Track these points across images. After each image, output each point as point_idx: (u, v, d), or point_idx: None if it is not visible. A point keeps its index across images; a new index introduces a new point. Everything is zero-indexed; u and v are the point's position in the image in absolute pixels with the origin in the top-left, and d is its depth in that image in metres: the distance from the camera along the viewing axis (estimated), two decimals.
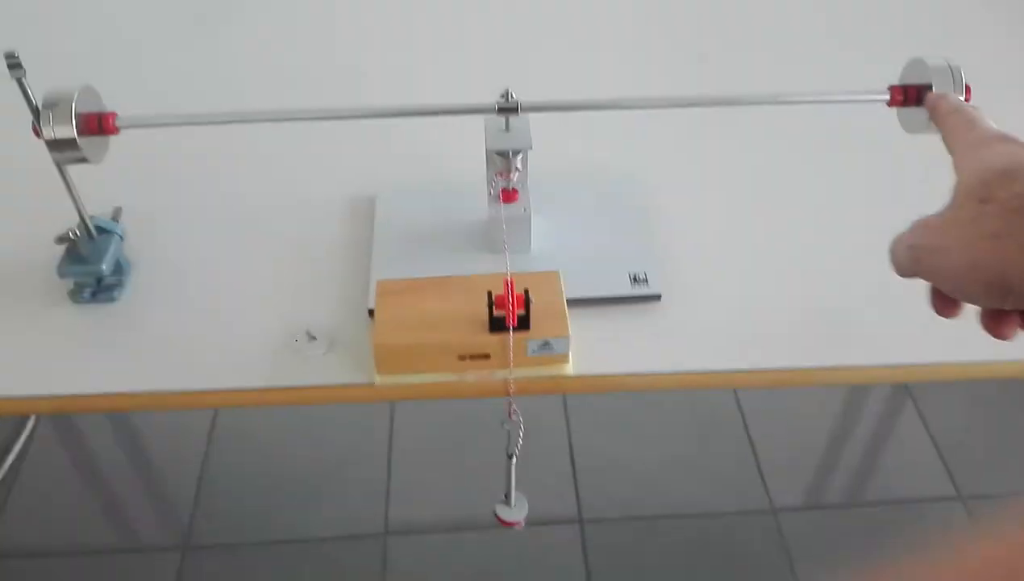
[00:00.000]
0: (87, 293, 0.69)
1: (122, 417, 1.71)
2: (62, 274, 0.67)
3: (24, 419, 1.65)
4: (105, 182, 0.79)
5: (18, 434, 1.62)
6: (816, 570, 1.40)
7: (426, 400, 1.64)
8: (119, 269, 0.70)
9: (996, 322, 0.44)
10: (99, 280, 0.70)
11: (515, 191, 0.69)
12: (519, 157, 0.66)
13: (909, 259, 0.45)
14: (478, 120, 0.66)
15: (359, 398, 0.64)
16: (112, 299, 0.69)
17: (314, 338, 0.66)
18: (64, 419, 1.68)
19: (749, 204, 0.79)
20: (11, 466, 1.57)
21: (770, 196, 0.80)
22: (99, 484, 1.58)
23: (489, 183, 0.69)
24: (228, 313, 0.69)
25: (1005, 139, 0.46)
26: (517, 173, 0.67)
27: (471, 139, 0.67)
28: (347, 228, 0.76)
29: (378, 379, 0.63)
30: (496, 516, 0.71)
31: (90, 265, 0.67)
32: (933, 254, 0.44)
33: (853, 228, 0.76)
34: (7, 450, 1.59)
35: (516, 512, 0.71)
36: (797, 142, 0.85)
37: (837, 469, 1.57)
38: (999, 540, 0.26)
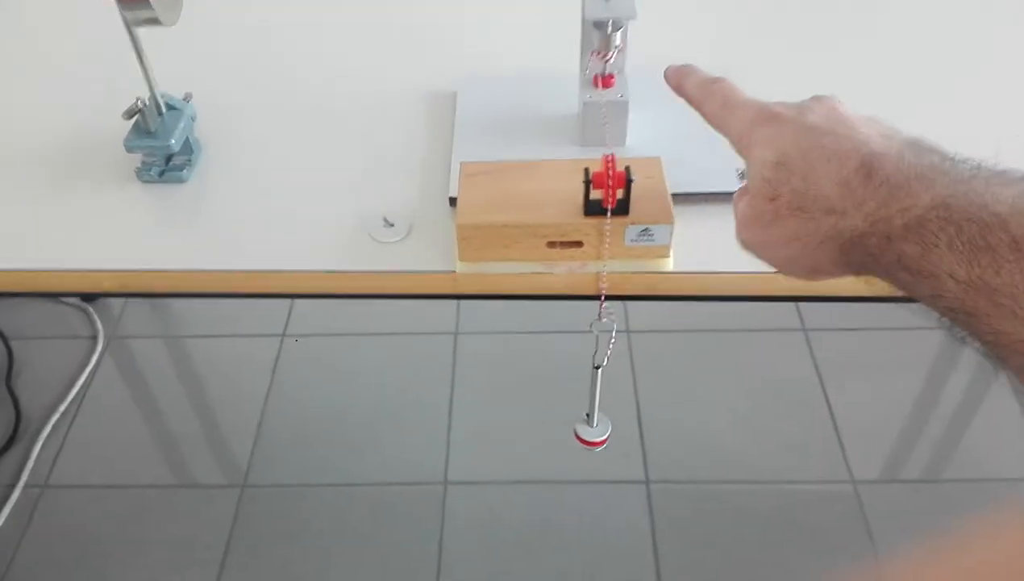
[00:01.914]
0: (155, 171, 0.65)
1: (185, 350, 1.70)
2: (129, 147, 0.64)
3: (90, 351, 1.65)
4: (179, 70, 0.76)
5: (83, 368, 1.62)
6: (898, 546, 1.32)
7: (488, 345, 1.63)
8: (188, 148, 0.66)
9: None
10: (168, 159, 0.66)
11: (612, 76, 0.63)
12: (620, 33, 0.60)
13: (747, 249, 0.46)
14: (566, 13, 0.60)
15: (438, 287, 0.59)
16: (180, 180, 0.66)
17: (391, 225, 0.61)
18: (127, 351, 1.68)
19: (863, 96, 0.72)
20: (73, 398, 1.58)
21: (885, 89, 0.72)
22: (159, 419, 1.57)
23: (583, 66, 0.63)
24: (301, 200, 0.65)
25: (763, 115, 0.45)
26: (616, 53, 0.61)
27: (559, 32, 0.61)
28: (427, 120, 0.71)
29: (459, 266, 0.58)
30: (576, 435, 0.65)
31: (158, 139, 0.64)
32: (759, 249, 0.45)
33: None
34: (72, 382, 1.60)
35: (598, 432, 0.65)
36: (909, 36, 0.78)
37: (920, 441, 1.48)
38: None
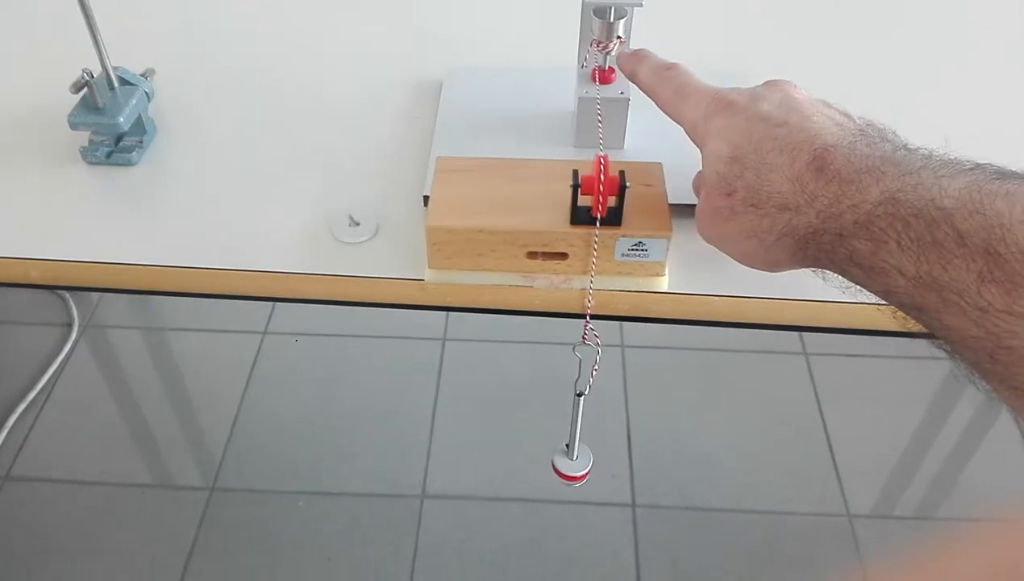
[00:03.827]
0: (102, 152, 0.59)
1: (162, 343, 1.64)
2: (72, 123, 0.57)
3: (64, 339, 1.59)
4: (141, 45, 0.70)
5: (54, 356, 1.56)
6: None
7: (477, 354, 1.56)
8: (140, 128, 0.60)
9: None
10: (118, 139, 0.60)
11: (612, 70, 0.57)
12: (623, 22, 0.54)
13: (707, 242, 0.46)
14: (561, 4, 0.55)
15: (403, 297, 0.53)
16: (129, 162, 0.59)
17: (357, 223, 0.55)
18: (102, 341, 1.62)
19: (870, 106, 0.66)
20: (43, 388, 1.51)
21: (900, 103, 0.66)
22: (130, 414, 1.51)
23: (581, 58, 0.57)
24: (261, 193, 0.59)
25: (717, 104, 0.44)
26: (618, 44, 0.55)
27: (561, 19, 0.56)
28: (409, 111, 0.65)
29: (428, 274, 0.52)
30: (553, 467, 0.59)
31: (105, 116, 0.57)
32: (718, 243, 0.45)
33: None
34: (42, 371, 1.54)
35: (578, 465, 0.59)
36: (932, 45, 0.72)
37: (919, 476, 1.41)
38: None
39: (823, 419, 1.46)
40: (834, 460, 1.40)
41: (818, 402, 1.49)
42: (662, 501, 1.35)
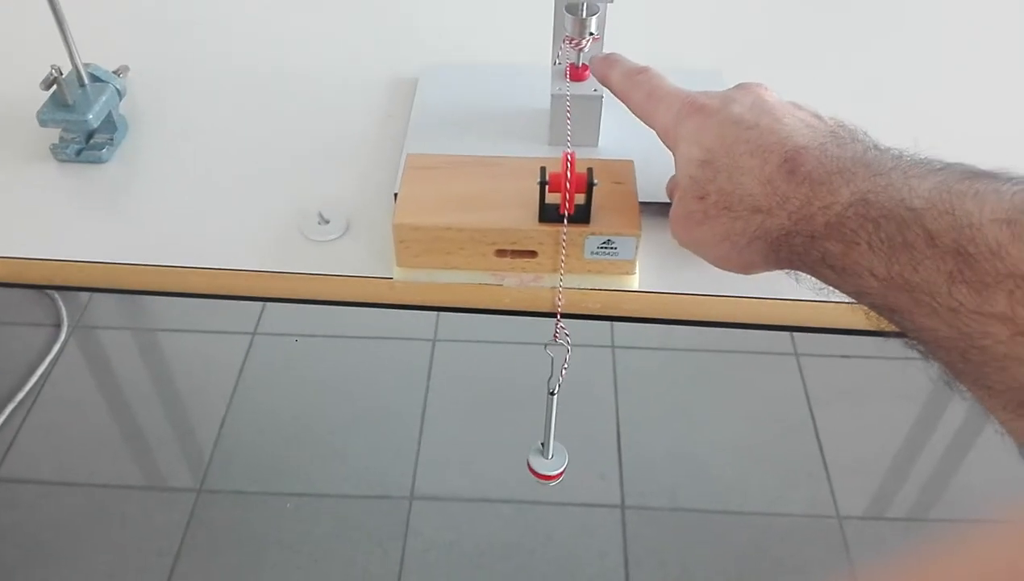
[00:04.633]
0: (72, 149, 0.58)
1: (152, 344, 1.64)
2: (42, 120, 0.57)
3: (53, 339, 1.58)
4: (117, 42, 0.70)
5: (43, 356, 1.56)
6: None
7: (467, 355, 1.56)
8: (111, 125, 0.60)
9: None
10: (89, 136, 0.59)
11: (586, 67, 0.56)
12: (595, 18, 0.53)
13: (682, 245, 0.46)
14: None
15: (372, 295, 0.52)
16: (99, 160, 0.59)
17: (326, 221, 0.55)
18: (92, 341, 1.61)
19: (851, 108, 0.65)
20: (31, 388, 1.51)
21: (879, 105, 0.66)
22: (119, 415, 1.50)
23: (555, 55, 0.57)
24: (231, 191, 0.58)
25: (688, 107, 0.44)
26: (591, 41, 0.55)
27: (538, 16, 0.55)
28: (383, 108, 0.64)
29: (397, 272, 0.51)
30: (529, 467, 0.58)
31: (74, 113, 0.57)
32: (692, 247, 0.45)
33: None
34: (31, 371, 1.53)
35: (553, 464, 0.58)
36: (911, 46, 0.71)
37: (910, 478, 1.41)
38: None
39: (813, 420, 1.45)
40: (824, 461, 1.40)
41: (809, 403, 1.48)
42: (651, 502, 1.35)
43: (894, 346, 0.39)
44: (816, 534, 1.31)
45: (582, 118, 0.56)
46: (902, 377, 1.51)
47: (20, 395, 1.49)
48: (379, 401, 1.49)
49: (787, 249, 0.39)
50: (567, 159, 0.46)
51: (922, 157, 0.36)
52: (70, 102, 0.57)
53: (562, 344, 0.51)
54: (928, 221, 0.33)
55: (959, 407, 1.49)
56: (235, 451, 1.42)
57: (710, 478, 1.38)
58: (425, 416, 1.46)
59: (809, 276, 0.39)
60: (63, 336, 1.60)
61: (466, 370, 1.55)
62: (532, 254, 0.49)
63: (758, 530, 1.32)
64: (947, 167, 0.35)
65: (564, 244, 0.48)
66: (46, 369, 1.54)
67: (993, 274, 0.31)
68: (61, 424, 1.47)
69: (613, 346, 1.56)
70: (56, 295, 1.67)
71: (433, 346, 1.58)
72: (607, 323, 1.48)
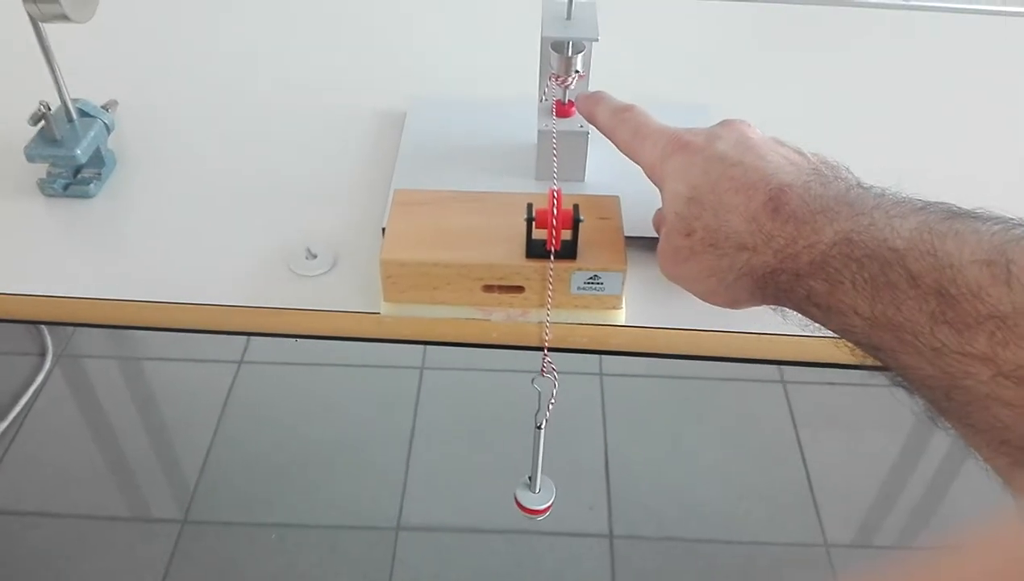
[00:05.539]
0: (59, 184, 0.59)
1: (137, 373, 1.63)
2: (29, 156, 0.57)
3: (37, 368, 1.57)
4: (106, 77, 0.70)
5: (27, 386, 1.54)
6: None
7: (455, 383, 1.55)
8: (99, 160, 0.60)
9: None
10: (76, 171, 0.59)
11: (572, 104, 0.57)
12: (580, 56, 0.54)
13: (670, 280, 0.46)
14: (530, 36, 0.55)
15: (357, 330, 0.52)
16: (87, 194, 0.59)
17: (314, 256, 0.55)
18: (77, 370, 1.60)
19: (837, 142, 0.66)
20: (14, 418, 1.49)
21: (865, 135, 0.67)
22: (103, 445, 1.49)
23: (541, 91, 0.57)
24: (219, 226, 0.58)
25: (674, 144, 0.45)
26: (576, 78, 0.55)
27: (525, 53, 0.56)
28: (372, 142, 0.65)
29: (384, 307, 0.51)
30: (516, 501, 0.58)
31: (62, 149, 0.57)
32: (679, 282, 0.45)
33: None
34: (15, 400, 1.52)
35: (541, 499, 0.58)
36: (893, 84, 0.72)
37: (898, 505, 1.41)
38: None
39: (801, 448, 1.46)
40: (812, 489, 1.40)
41: (796, 431, 1.48)
42: (640, 532, 1.34)
43: (880, 374, 0.39)
44: (804, 562, 1.31)
45: (568, 154, 0.57)
46: (889, 404, 1.52)
47: (3, 425, 1.47)
48: (366, 431, 1.48)
49: (773, 286, 0.39)
50: (553, 196, 0.47)
51: (903, 196, 0.37)
52: (58, 137, 0.57)
53: (549, 378, 0.51)
54: (910, 262, 0.33)
55: (946, 434, 1.49)
56: (220, 481, 1.41)
57: (698, 507, 1.38)
58: (412, 445, 1.45)
59: (795, 313, 0.40)
60: (48, 365, 1.59)
61: (454, 399, 1.55)
62: (519, 289, 0.50)
63: (746, 558, 1.32)
64: (927, 206, 0.36)
65: (551, 279, 0.49)
66: (30, 398, 1.53)
67: (974, 315, 0.31)
68: (45, 454, 1.45)
69: (601, 374, 1.56)
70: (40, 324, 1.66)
71: (421, 374, 1.57)
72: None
